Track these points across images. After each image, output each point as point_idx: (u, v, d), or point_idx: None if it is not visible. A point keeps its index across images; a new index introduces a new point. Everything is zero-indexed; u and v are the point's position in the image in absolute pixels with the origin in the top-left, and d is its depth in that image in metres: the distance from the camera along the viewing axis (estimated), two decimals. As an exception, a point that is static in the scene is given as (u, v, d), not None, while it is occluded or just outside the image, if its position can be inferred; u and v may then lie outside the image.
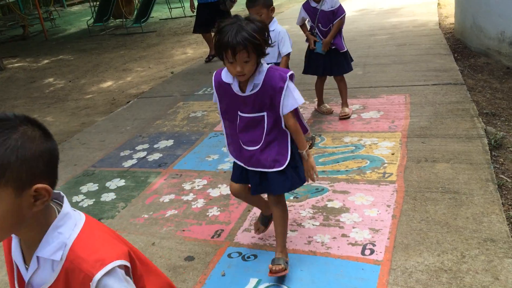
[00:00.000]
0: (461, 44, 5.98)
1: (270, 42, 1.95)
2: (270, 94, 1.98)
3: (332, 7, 3.76)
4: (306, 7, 3.87)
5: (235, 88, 2.04)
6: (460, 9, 6.19)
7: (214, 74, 2.14)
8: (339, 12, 3.80)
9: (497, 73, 4.98)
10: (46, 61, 10.29)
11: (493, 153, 3.15)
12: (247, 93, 2.01)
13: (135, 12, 13.17)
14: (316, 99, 4.28)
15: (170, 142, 4.11)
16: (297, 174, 2.14)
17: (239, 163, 2.20)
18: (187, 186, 3.27)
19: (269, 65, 2.04)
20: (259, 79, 1.98)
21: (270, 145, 2.08)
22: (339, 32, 3.87)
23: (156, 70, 7.71)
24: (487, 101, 4.24)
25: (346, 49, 3.91)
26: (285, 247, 2.27)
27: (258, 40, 1.84)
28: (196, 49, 8.81)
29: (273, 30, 3.17)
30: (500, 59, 5.21)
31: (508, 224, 2.36)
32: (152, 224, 2.87)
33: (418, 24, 7.37)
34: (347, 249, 2.33)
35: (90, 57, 9.89)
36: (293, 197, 2.87)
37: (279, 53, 3.34)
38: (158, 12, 15.02)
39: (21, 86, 7.95)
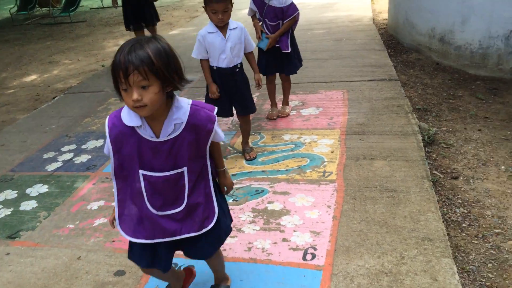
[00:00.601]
0: (394, 40, 6.13)
1: (176, 75, 1.49)
2: (194, 138, 1.57)
3: (281, 4, 3.45)
4: (258, 1, 3.55)
5: (146, 131, 1.54)
6: (393, 5, 6.34)
7: (108, 117, 1.60)
8: (289, 10, 3.48)
9: (428, 69, 5.14)
10: (-39, 52, 9.42)
11: (426, 149, 3.21)
12: (162, 138, 1.54)
13: (63, 0, 12.38)
14: (256, 94, 4.16)
15: (100, 142, 3.84)
16: (225, 216, 1.78)
17: (142, 241, 1.65)
18: (118, 191, 3.04)
19: (189, 100, 1.60)
20: (180, 118, 1.54)
21: (196, 205, 1.66)
22: (288, 31, 3.58)
23: (86, 63, 7.27)
24: (419, 97, 4.34)
25: (289, 50, 3.60)
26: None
27: (156, 63, 1.41)
28: (129, 41, 8.41)
29: (236, 28, 2.93)
30: (431, 55, 5.38)
31: (444, 222, 2.39)
32: (78, 235, 2.64)
33: (354, 19, 7.48)
34: (289, 255, 2.24)
35: (12, 49, 9.18)
36: (232, 200, 2.75)
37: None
38: (89, 1, 14.27)
39: None
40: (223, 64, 2.93)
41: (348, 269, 2.10)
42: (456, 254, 2.22)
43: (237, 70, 2.99)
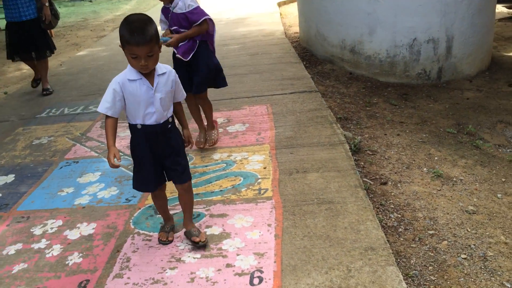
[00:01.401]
0: (308, 52, 6.33)
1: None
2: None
3: (182, 10, 3.09)
4: (163, 8, 3.27)
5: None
6: (304, 18, 6.55)
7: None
8: (194, 16, 3.09)
9: (342, 79, 5.36)
10: None
11: (354, 157, 3.30)
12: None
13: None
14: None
15: (10, 178, 3.47)
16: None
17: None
18: (37, 231, 2.75)
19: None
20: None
21: None
22: (195, 41, 3.23)
23: (-16, 89, 6.62)
24: (338, 106, 4.49)
25: (186, 59, 3.20)
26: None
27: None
28: (32, 63, 7.82)
29: (165, 73, 2.25)
30: (344, 65, 5.62)
31: (382, 228, 2.45)
32: (-4, 286, 2.33)
33: (266, 33, 7.62)
34: (235, 281, 2.15)
35: None
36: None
37: None
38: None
39: None
40: (150, 121, 2.19)
41: (298, 289, 2.06)
42: (398, 260, 2.27)
43: (169, 126, 2.28)
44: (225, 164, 3.27)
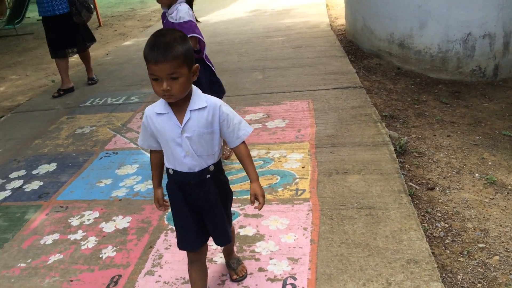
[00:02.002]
0: (353, 46, 6.10)
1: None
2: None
3: (175, 20, 2.87)
4: (162, 13, 3.08)
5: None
6: (350, 11, 6.32)
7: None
8: (183, 30, 2.54)
9: (390, 74, 5.13)
10: None
11: (399, 159, 3.13)
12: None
13: (8, 12, 11.73)
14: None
15: (52, 166, 3.53)
16: None
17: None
18: (74, 222, 2.78)
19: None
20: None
21: None
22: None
23: (35, 78, 6.84)
24: (384, 103, 4.29)
25: None
26: None
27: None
28: (80, 53, 8.02)
29: (204, 108, 1.79)
30: (391, 60, 5.38)
31: (426, 238, 2.29)
32: (31, 275, 2.36)
33: (311, 25, 7.43)
34: (267, 287, 2.07)
35: (-48, 64, 8.55)
36: None
37: None
38: (35, 12, 13.62)
39: None
40: (182, 167, 1.74)
41: (333, 300, 1.95)
42: (444, 275, 2.11)
43: (208, 176, 1.78)
44: (262, 162, 3.18)
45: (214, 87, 3.12)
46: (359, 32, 5.99)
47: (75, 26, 5.17)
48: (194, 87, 1.72)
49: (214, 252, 2.33)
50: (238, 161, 3.20)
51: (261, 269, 2.18)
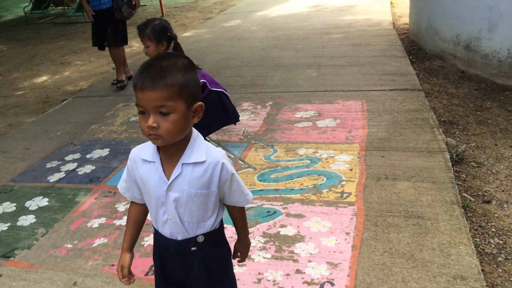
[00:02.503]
0: (416, 46, 5.85)
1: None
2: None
3: None
4: None
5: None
6: (415, 9, 6.06)
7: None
8: None
9: (452, 77, 4.87)
10: (-26, 52, 9.38)
11: (454, 168, 2.95)
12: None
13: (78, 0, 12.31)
14: (269, 102, 3.92)
15: (105, 152, 3.65)
16: None
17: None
18: (121, 208, 2.85)
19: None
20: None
21: None
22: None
23: (98, 64, 7.13)
24: (444, 108, 4.08)
25: None
26: None
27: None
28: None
29: (202, 162, 1.35)
30: (455, 63, 5.10)
31: (477, 254, 2.14)
32: (76, 256, 2.45)
33: (373, 23, 7.21)
34: (302, 290, 2.02)
35: (25, 48, 9.10)
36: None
37: None
38: (104, 1, 14.17)
39: None
40: (164, 230, 1.38)
41: (370, 311, 1.87)
42: (493, 296, 1.97)
43: (194, 249, 1.39)
44: (309, 161, 3.11)
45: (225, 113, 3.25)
46: (423, 32, 5.73)
47: (114, 22, 5.05)
48: (195, 133, 1.33)
49: (253, 250, 2.31)
50: (282, 158, 3.18)
51: (298, 271, 2.13)
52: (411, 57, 5.35)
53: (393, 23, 7.14)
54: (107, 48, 5.32)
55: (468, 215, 2.52)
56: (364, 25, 7.10)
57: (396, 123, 3.50)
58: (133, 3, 4.98)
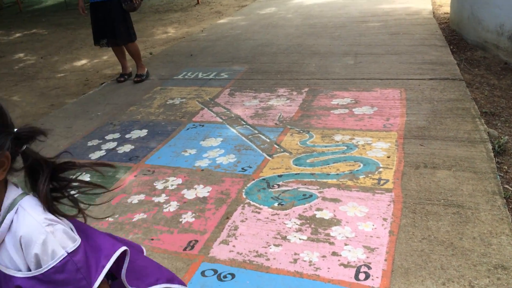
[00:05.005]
0: (457, 36, 5.69)
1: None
2: None
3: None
4: None
5: None
6: (457, -2, 5.89)
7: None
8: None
9: (495, 68, 4.72)
10: (18, 35, 9.70)
11: (496, 159, 2.88)
12: None
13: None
14: (305, 89, 3.93)
15: (143, 132, 3.73)
16: None
17: None
18: (159, 186, 2.92)
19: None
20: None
21: None
22: None
23: (135, 49, 7.24)
24: (485, 99, 3.97)
25: None
26: None
27: None
28: (178, 28, 8.35)
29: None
30: (498, 54, 4.94)
31: (519, 246, 2.10)
32: (117, 229, 2.53)
33: (412, 12, 7.05)
34: (339, 272, 2.03)
35: (65, 32, 9.35)
36: (278, 204, 2.56)
37: None
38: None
39: (-13, 61, 7.42)
40: None
41: (407, 295, 1.86)
42: (536, 287, 1.93)
43: None
44: (345, 147, 3.10)
45: None
46: (465, 21, 5.56)
47: (124, 15, 4.77)
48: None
49: (289, 231, 2.33)
50: (318, 144, 3.18)
51: (334, 253, 2.14)
52: (451, 47, 5.21)
53: (433, 12, 6.96)
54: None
55: (510, 206, 2.46)
56: (403, 14, 6.95)
57: (436, 112, 3.44)
58: None
